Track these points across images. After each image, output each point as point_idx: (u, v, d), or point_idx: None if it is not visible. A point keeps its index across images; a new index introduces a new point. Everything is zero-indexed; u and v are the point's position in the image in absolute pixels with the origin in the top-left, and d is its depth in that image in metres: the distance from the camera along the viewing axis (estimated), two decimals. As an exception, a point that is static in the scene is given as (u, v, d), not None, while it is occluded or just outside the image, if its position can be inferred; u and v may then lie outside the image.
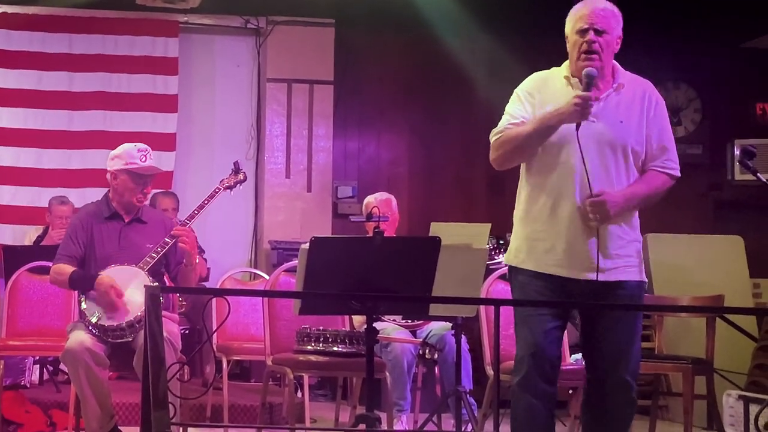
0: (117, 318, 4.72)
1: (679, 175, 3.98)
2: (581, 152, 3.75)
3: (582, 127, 3.77)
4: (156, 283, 4.71)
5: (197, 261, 5.03)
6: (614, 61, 3.95)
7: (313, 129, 8.70)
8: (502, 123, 3.94)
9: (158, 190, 7.80)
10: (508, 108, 3.98)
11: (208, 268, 7.57)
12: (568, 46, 3.95)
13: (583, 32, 3.85)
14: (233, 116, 8.84)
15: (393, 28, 8.58)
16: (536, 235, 3.92)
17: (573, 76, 3.91)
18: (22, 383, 6.87)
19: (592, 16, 3.85)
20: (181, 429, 4.81)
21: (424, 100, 8.91)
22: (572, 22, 3.91)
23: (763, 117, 9.30)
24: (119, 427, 4.78)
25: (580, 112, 3.73)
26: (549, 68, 4.06)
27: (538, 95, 3.93)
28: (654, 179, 3.92)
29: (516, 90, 4.00)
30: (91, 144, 8.37)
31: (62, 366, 6.54)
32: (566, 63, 3.98)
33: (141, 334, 4.38)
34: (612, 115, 3.87)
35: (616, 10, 3.92)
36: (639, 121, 3.90)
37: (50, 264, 5.09)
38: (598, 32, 3.84)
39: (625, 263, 3.88)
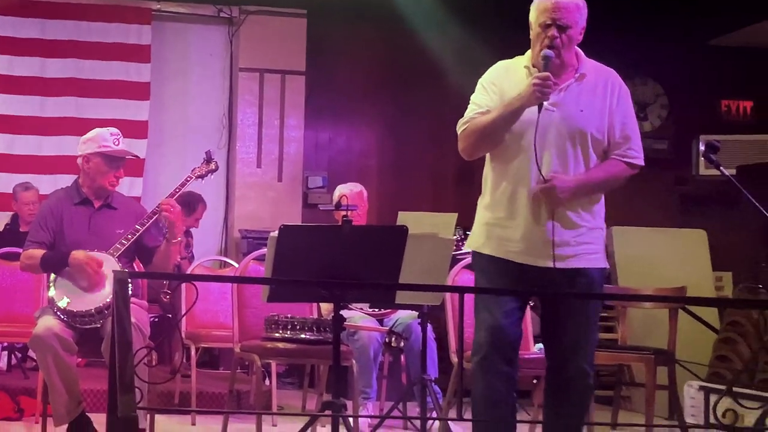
0: (88, 298, 4.72)
1: (642, 163, 3.99)
2: (535, 140, 3.76)
3: (543, 116, 3.78)
4: (126, 270, 4.73)
5: (179, 239, 5.01)
6: (578, 49, 3.95)
7: (285, 119, 8.72)
8: (468, 113, 3.96)
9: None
10: (473, 98, 4.00)
11: (191, 254, 7.61)
12: (531, 34, 3.95)
13: (546, 27, 3.86)
14: (205, 105, 8.84)
15: (365, 19, 8.60)
16: (496, 221, 3.95)
17: (534, 66, 3.92)
18: (-10, 369, 6.88)
19: (556, 11, 3.84)
20: (148, 414, 4.81)
21: (395, 91, 8.94)
22: (536, 13, 3.91)
23: (728, 113, 9.40)
24: (87, 414, 4.77)
25: (539, 92, 3.74)
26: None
27: (500, 84, 3.95)
28: (612, 167, 3.93)
29: (480, 80, 4.02)
30: (63, 130, 8.35)
31: (30, 352, 6.56)
32: (529, 52, 3.99)
33: (110, 320, 4.37)
34: (573, 103, 3.88)
35: (580, 1, 3.91)
36: (601, 109, 3.91)
37: (19, 250, 5.09)
38: (561, 28, 3.84)
39: (584, 251, 3.89)
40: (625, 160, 3.94)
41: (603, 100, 3.92)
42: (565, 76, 3.90)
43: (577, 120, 3.88)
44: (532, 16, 3.94)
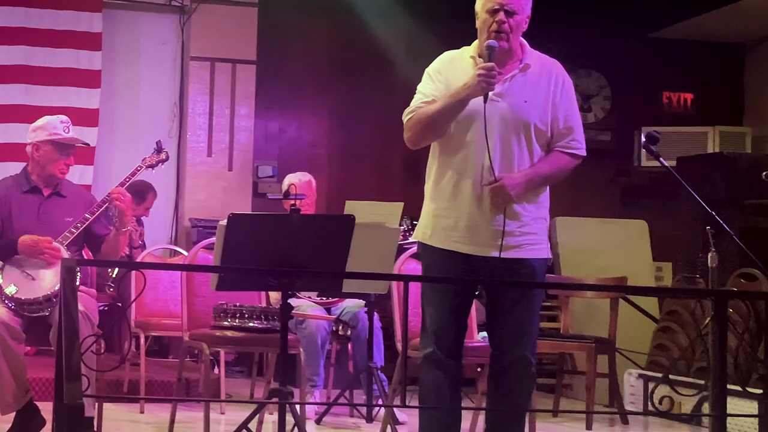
0: (42, 280, 4.72)
1: (584, 154, 4.03)
2: (485, 130, 3.79)
3: (487, 106, 3.81)
4: (74, 258, 4.74)
5: (128, 228, 5.02)
6: (522, 40, 3.98)
7: (236, 108, 8.73)
8: (414, 102, 3.97)
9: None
10: (419, 87, 4.00)
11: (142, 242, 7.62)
12: (477, 23, 3.97)
13: (493, 12, 3.87)
14: (156, 94, 8.82)
15: (316, 9, 8.63)
16: (441, 212, 3.97)
17: (479, 56, 3.93)
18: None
19: None
20: (96, 402, 4.81)
21: (345, 81, 8.98)
22: (483, 0, 3.93)
23: (669, 105, 9.54)
24: (35, 402, 4.77)
25: (484, 82, 3.76)
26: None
27: (446, 73, 3.96)
28: (557, 159, 3.97)
29: (426, 70, 4.04)
30: (12, 118, 8.27)
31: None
32: (475, 43, 4.01)
33: (58, 309, 4.39)
34: (517, 94, 3.91)
35: None
36: (545, 100, 3.94)
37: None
38: (508, 13, 3.86)
39: (528, 240, 3.94)
40: (567, 151, 3.98)
41: (547, 91, 3.95)
42: (509, 66, 3.92)
43: (521, 110, 3.91)
44: (478, 4, 3.96)
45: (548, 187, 4.06)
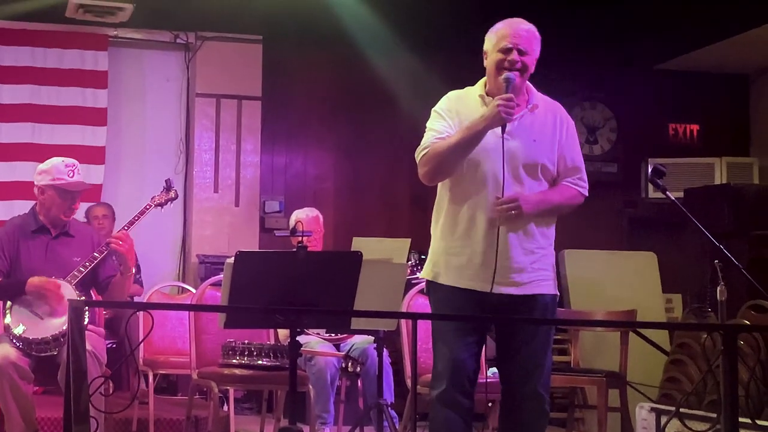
0: (45, 325, 4.72)
1: (587, 195, 4.09)
2: (503, 160, 3.83)
3: (497, 145, 3.85)
4: (83, 298, 4.74)
5: (133, 272, 5.03)
6: (528, 83, 4.04)
7: (242, 144, 8.75)
8: (427, 139, 3.98)
9: (90, 203, 7.81)
10: (430, 125, 4.02)
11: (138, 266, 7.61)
12: (487, 62, 4.01)
13: (506, 51, 3.93)
14: (162, 130, 8.84)
15: (320, 45, 8.67)
16: (453, 250, 3.98)
17: (488, 95, 3.98)
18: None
19: (517, 37, 3.94)
20: (105, 442, 4.82)
21: (349, 116, 9.00)
22: (494, 40, 3.98)
23: (675, 137, 9.52)
24: (43, 441, 4.80)
25: (504, 111, 3.79)
26: (469, 85, 4.13)
27: (456, 110, 4.00)
28: (566, 190, 4.02)
29: (434, 109, 4.06)
30: (19, 156, 8.31)
31: (-14, 379, 6.51)
32: (481, 82, 4.06)
33: (66, 348, 4.39)
34: (526, 133, 3.96)
35: (537, 33, 4.01)
36: (551, 141, 4.00)
37: (-25, 278, 5.08)
38: (521, 52, 3.92)
39: (539, 277, 3.96)
40: (576, 187, 4.04)
41: (553, 132, 4.02)
42: (518, 107, 3.95)
43: (530, 149, 3.95)
44: (489, 43, 4.01)
45: (554, 224, 4.08)
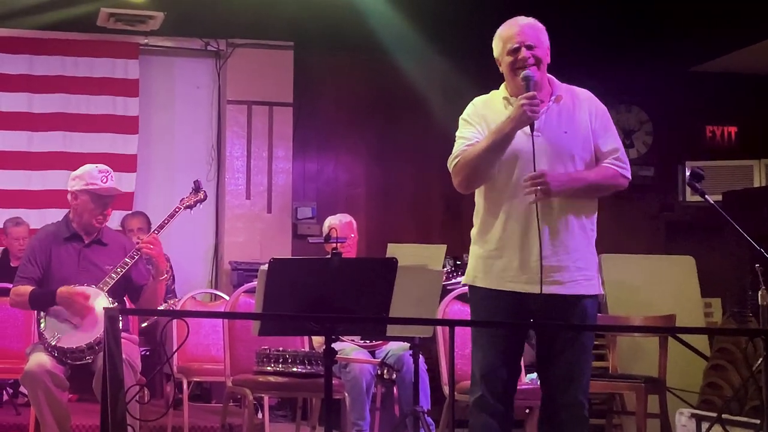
0: (79, 333, 4.71)
1: (629, 176, 4.00)
2: (533, 160, 3.78)
3: (528, 142, 3.81)
4: (115, 304, 4.73)
5: (165, 276, 5.02)
6: (549, 75, 3.99)
7: (273, 150, 8.75)
8: (457, 148, 3.96)
9: (125, 212, 7.84)
10: (459, 133, 3.99)
11: (173, 276, 7.64)
12: (501, 68, 3.99)
13: (514, 51, 3.90)
14: (194, 138, 8.86)
15: (350, 51, 8.66)
16: (491, 254, 3.94)
17: (511, 96, 3.95)
18: (-19, 406, 6.85)
19: (521, 35, 3.91)
20: (140, 450, 4.81)
21: (380, 121, 8.98)
22: (501, 45, 3.97)
23: (712, 139, 9.45)
24: (79, 450, 4.80)
25: (529, 110, 3.76)
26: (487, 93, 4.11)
27: (484, 115, 3.97)
28: (604, 170, 3.94)
29: (462, 116, 4.03)
30: (51, 165, 8.36)
31: (22, 388, 6.53)
32: (503, 85, 4.03)
33: (101, 356, 4.38)
34: (555, 126, 3.91)
35: (539, 23, 3.98)
36: (584, 129, 3.94)
37: (10, 286, 5.09)
38: (529, 47, 3.89)
39: (582, 276, 3.90)
40: (614, 167, 3.95)
41: (583, 119, 3.95)
42: (542, 99, 3.90)
43: (562, 142, 3.90)
44: (497, 49, 4.00)
45: (595, 225, 4.01)
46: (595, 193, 3.97)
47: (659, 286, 7.66)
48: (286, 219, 8.75)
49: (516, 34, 3.92)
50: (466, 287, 4.11)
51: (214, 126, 8.87)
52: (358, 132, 9.00)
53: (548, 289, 3.84)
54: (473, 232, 4.06)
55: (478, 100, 4.07)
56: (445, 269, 5.94)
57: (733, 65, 9.00)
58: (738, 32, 8.09)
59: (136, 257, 4.88)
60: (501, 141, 3.84)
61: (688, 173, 5.29)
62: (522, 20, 3.98)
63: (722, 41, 8.40)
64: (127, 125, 8.53)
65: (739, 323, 6.08)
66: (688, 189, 8.85)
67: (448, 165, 3.99)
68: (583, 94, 4.03)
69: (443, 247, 5.95)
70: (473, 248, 4.05)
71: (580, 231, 3.92)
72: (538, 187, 3.79)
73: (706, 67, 9.11)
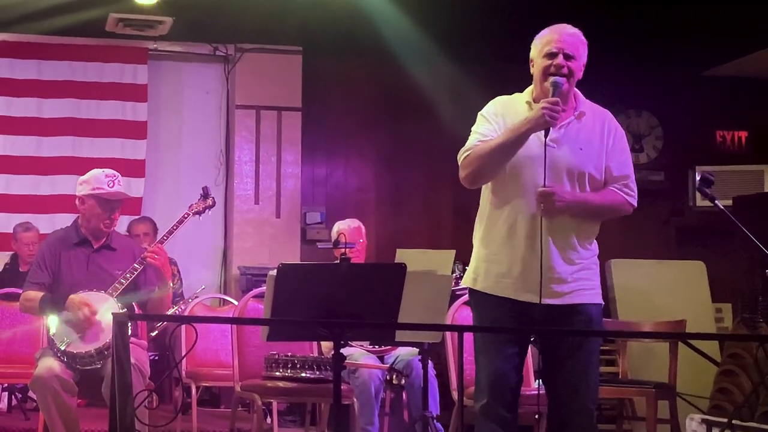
0: (88, 339, 4.72)
1: (635, 205, 4.00)
2: (545, 167, 3.77)
3: (541, 151, 3.79)
4: (124, 310, 4.73)
5: (171, 285, 5.02)
6: (576, 89, 3.97)
7: (282, 155, 8.74)
8: (471, 141, 3.94)
9: (133, 217, 7.85)
10: (475, 128, 3.98)
11: (180, 280, 7.65)
12: (533, 69, 3.96)
13: (552, 56, 3.87)
14: (202, 142, 8.86)
15: (359, 55, 8.65)
16: (493, 258, 3.93)
17: (535, 101, 3.92)
18: (-9, 410, 6.86)
19: (562, 41, 3.88)
20: (149, 456, 4.79)
21: (389, 126, 8.97)
22: (540, 46, 3.93)
23: (723, 144, 9.41)
24: (87, 454, 4.79)
25: (548, 114, 3.74)
26: (510, 95, 4.09)
27: (503, 115, 3.95)
28: (610, 194, 3.93)
29: (481, 112, 4.01)
30: (60, 170, 8.37)
31: (31, 393, 6.54)
32: (528, 89, 4.00)
33: (110, 361, 4.37)
34: (572, 141, 3.89)
35: (583, 37, 3.95)
36: (599, 149, 3.92)
37: (20, 291, 5.09)
38: (567, 57, 3.87)
39: (582, 286, 3.89)
40: (621, 193, 3.95)
41: (600, 140, 3.94)
42: (565, 113, 3.90)
43: (576, 158, 3.89)
44: (535, 50, 3.96)
45: (596, 234, 4.00)
46: (599, 216, 3.97)
47: (669, 291, 7.64)
48: (294, 224, 8.74)
49: (558, 39, 3.89)
50: (475, 292, 4.09)
51: (223, 131, 8.87)
52: (367, 137, 8.99)
53: (547, 300, 3.84)
54: (476, 232, 4.05)
55: (499, 100, 4.05)
56: (454, 274, 5.92)
57: (743, 70, 8.97)
58: (748, 37, 8.07)
59: (143, 266, 4.87)
60: (515, 140, 3.82)
61: (698, 178, 5.27)
62: (569, 29, 3.95)
63: (732, 46, 8.37)
64: (135, 130, 8.53)
65: (749, 329, 6.06)
66: (698, 194, 8.82)
67: (458, 157, 3.97)
68: (605, 115, 4.02)
69: (452, 253, 5.94)
70: (475, 250, 4.05)
71: (583, 243, 3.92)
72: (543, 205, 3.80)
73: (717, 72, 9.07)
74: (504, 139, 3.84)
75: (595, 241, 3.99)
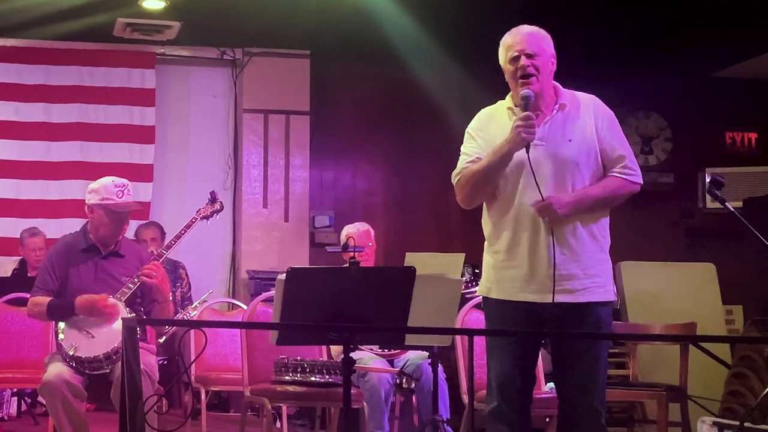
0: (97, 344, 4.70)
1: (640, 181, 3.97)
2: (535, 178, 3.77)
3: (532, 152, 3.79)
4: (132, 315, 4.73)
5: (170, 299, 5.02)
6: (555, 83, 3.98)
7: (290, 159, 8.75)
8: (460, 164, 3.98)
9: (140, 222, 7.84)
10: (462, 148, 4.01)
11: (189, 284, 7.66)
12: (506, 76, 3.98)
13: (515, 60, 3.89)
14: (210, 146, 8.87)
15: (367, 59, 8.64)
16: (501, 264, 3.94)
17: (515, 106, 3.93)
18: (0, 416, 6.86)
19: (521, 42, 3.89)
20: (159, 461, 4.79)
21: (397, 130, 8.97)
22: (503, 53, 3.96)
23: (733, 145, 9.39)
24: (97, 459, 4.78)
25: (524, 132, 3.75)
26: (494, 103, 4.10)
27: (486, 130, 3.97)
28: (610, 183, 3.92)
29: (467, 129, 4.04)
30: (68, 174, 8.38)
31: (40, 398, 6.54)
32: (510, 94, 4.01)
33: (118, 366, 4.38)
34: (559, 135, 3.89)
35: (542, 31, 3.96)
36: (590, 135, 3.91)
37: (28, 296, 5.09)
38: (529, 56, 3.87)
39: (592, 283, 3.88)
40: (621, 176, 3.93)
41: (589, 125, 3.92)
42: (545, 110, 3.91)
43: (567, 150, 3.88)
44: (501, 57, 3.98)
45: (607, 229, 3.98)
46: (604, 207, 3.95)
47: (680, 293, 7.62)
48: (303, 228, 8.74)
49: (516, 42, 3.91)
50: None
51: (231, 135, 8.87)
52: (375, 140, 8.99)
53: (558, 298, 3.83)
54: (485, 243, 4.06)
55: (483, 113, 4.07)
56: (464, 278, 5.91)
57: (752, 71, 8.95)
58: (758, 38, 8.04)
59: (138, 283, 4.85)
60: (499, 161, 3.85)
61: (708, 180, 5.26)
62: (524, 29, 3.97)
63: (742, 47, 8.35)
64: (143, 135, 8.54)
65: (760, 331, 6.03)
66: (708, 196, 8.80)
67: (452, 179, 4.02)
68: (588, 99, 4.00)
69: (462, 256, 5.93)
70: (485, 259, 4.06)
71: (590, 238, 3.90)
72: (546, 217, 3.80)
73: (726, 73, 9.06)
74: (488, 162, 3.87)
75: (606, 225, 3.97)
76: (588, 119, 3.93)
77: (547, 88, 3.93)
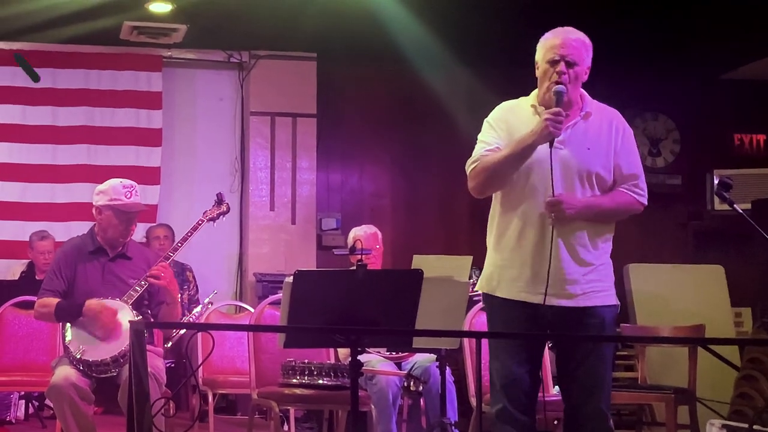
0: (104, 347, 4.71)
1: (645, 203, 3.98)
2: (551, 176, 3.77)
3: (548, 155, 3.78)
4: (140, 317, 4.72)
5: (178, 301, 5.02)
6: (582, 90, 3.97)
7: (297, 161, 8.75)
8: (477, 151, 3.94)
9: (147, 225, 7.85)
10: (481, 137, 3.98)
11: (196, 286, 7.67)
12: (537, 72, 3.96)
13: (554, 63, 3.87)
14: (217, 149, 8.87)
15: (374, 61, 8.64)
16: (505, 262, 3.93)
17: (540, 104, 3.93)
18: (8, 419, 6.87)
19: (564, 47, 3.87)
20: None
21: (405, 132, 8.97)
22: (543, 51, 3.92)
23: (741, 147, 9.38)
24: (104, 462, 4.78)
25: (552, 126, 3.74)
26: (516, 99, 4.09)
27: (508, 121, 3.95)
28: (619, 196, 3.93)
29: (486, 119, 4.01)
30: (75, 178, 8.39)
31: (48, 401, 6.53)
32: (534, 92, 4.00)
33: (126, 369, 4.38)
34: (579, 142, 3.89)
35: (587, 40, 3.94)
36: (607, 148, 3.92)
37: (35, 299, 5.09)
38: (569, 64, 3.86)
39: (594, 288, 3.87)
40: (630, 193, 3.94)
41: (608, 139, 3.94)
42: (571, 114, 3.90)
43: (584, 158, 3.89)
44: (539, 54, 3.96)
45: (611, 235, 3.98)
46: (608, 218, 3.96)
47: (688, 295, 7.61)
48: (310, 230, 8.73)
49: (561, 45, 3.88)
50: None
51: (238, 138, 8.87)
52: (382, 142, 8.98)
53: (560, 302, 3.83)
54: (488, 238, 4.05)
55: (505, 105, 4.06)
56: (471, 280, 5.90)
57: (760, 73, 8.93)
58: (766, 40, 8.02)
59: (145, 286, 4.85)
60: (521, 152, 3.83)
61: (716, 182, 5.24)
62: (572, 33, 3.93)
63: (749, 49, 8.33)
64: (150, 138, 8.55)
65: (769, 333, 6.01)
66: (716, 197, 8.78)
67: (466, 167, 3.98)
68: (611, 112, 4.01)
69: (469, 258, 5.92)
70: (488, 254, 4.04)
71: (594, 243, 3.91)
72: (553, 214, 3.80)
73: (734, 75, 9.04)
74: (510, 151, 3.85)
75: (610, 238, 3.98)
76: (608, 132, 3.94)
77: (574, 96, 3.92)
